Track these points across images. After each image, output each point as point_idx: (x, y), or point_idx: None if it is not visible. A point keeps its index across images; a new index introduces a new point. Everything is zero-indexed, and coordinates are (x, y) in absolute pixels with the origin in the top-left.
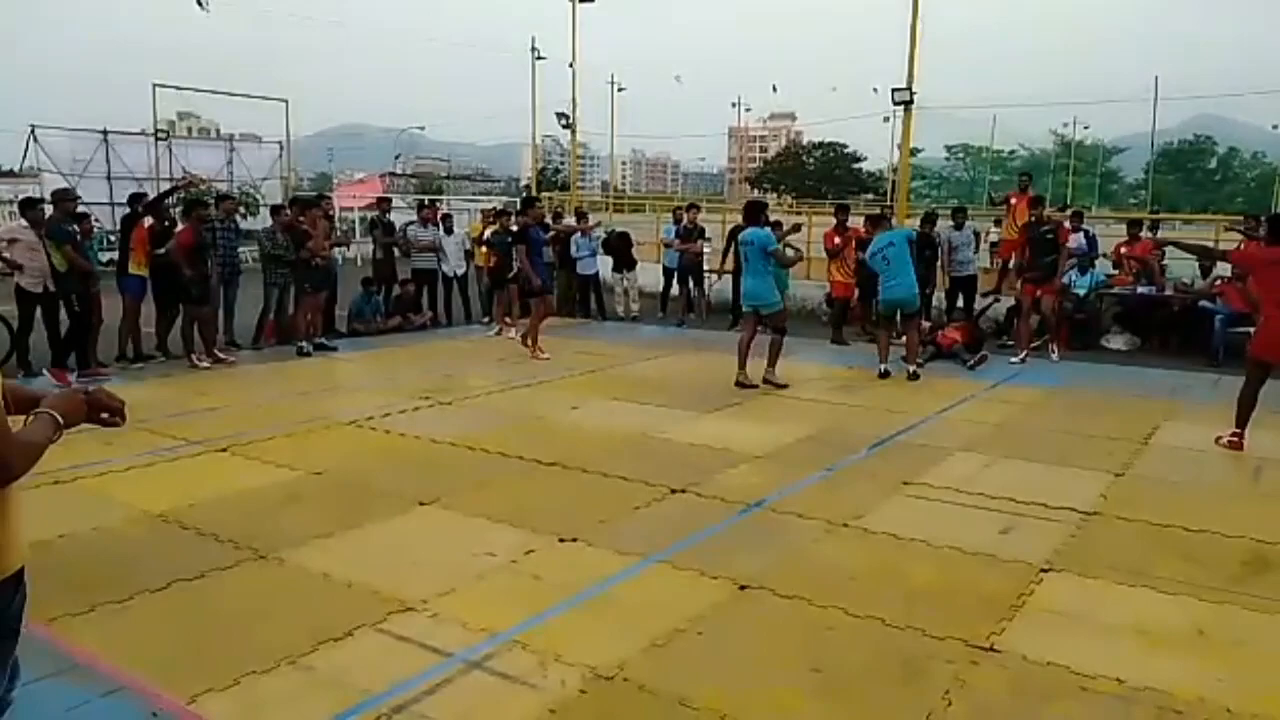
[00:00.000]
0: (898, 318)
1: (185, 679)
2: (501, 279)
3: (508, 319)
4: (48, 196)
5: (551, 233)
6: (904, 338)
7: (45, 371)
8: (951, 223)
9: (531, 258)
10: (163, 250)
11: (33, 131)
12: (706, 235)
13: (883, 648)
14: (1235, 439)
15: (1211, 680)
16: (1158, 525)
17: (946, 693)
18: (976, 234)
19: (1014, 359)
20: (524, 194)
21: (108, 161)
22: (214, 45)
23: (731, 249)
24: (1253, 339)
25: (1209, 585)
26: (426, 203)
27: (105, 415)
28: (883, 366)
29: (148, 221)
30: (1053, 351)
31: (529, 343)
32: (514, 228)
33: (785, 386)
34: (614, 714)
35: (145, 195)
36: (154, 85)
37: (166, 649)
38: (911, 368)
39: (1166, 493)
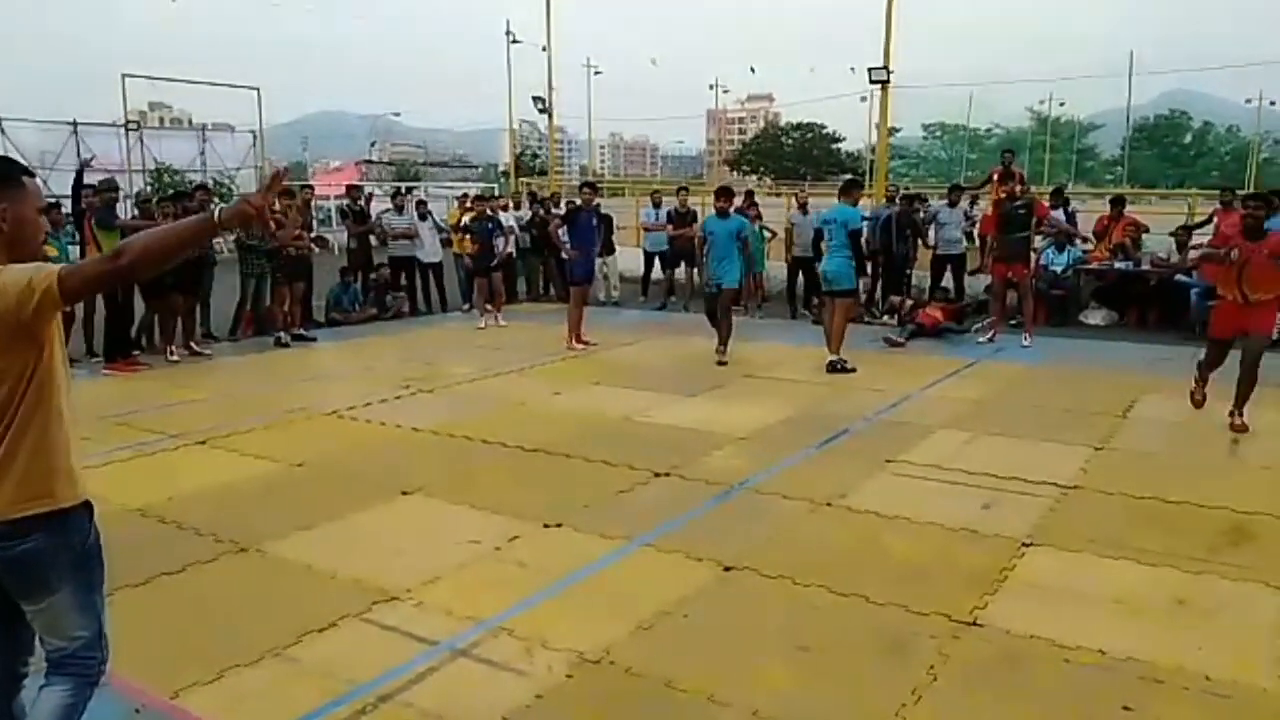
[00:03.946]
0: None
1: (168, 673)
2: (483, 266)
3: (489, 306)
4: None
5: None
6: (893, 315)
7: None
8: (946, 200)
9: (576, 244)
10: None
11: None
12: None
13: (867, 624)
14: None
15: (1191, 649)
16: (1137, 498)
17: (931, 667)
18: (970, 217)
19: (981, 338)
20: (502, 178)
21: (78, 153)
22: (186, 35)
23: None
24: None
25: (1188, 556)
26: (403, 190)
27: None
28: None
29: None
30: (1025, 337)
31: (569, 333)
32: (559, 210)
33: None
34: (601, 698)
35: (113, 184)
36: (123, 75)
37: (149, 644)
38: (832, 357)
39: (1146, 465)
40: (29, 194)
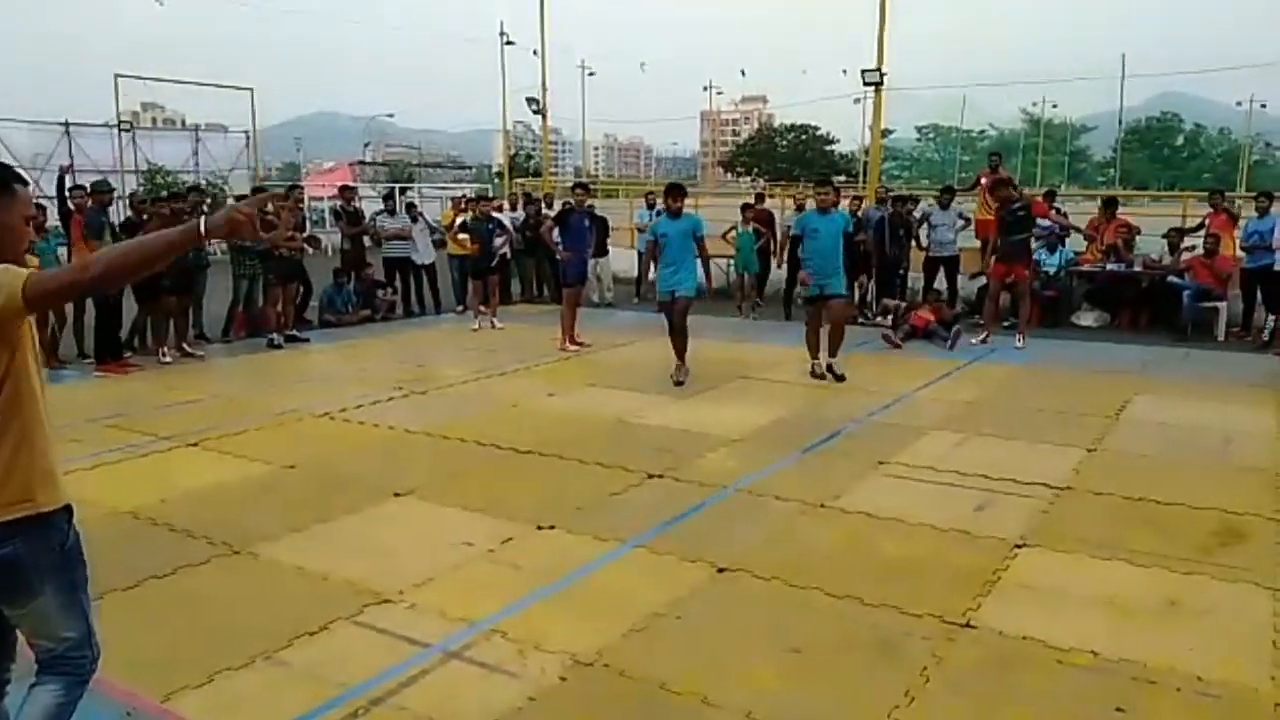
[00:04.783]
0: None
1: (159, 677)
2: (481, 267)
3: (483, 308)
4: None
5: (549, 219)
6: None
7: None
8: (937, 202)
9: (569, 246)
10: None
11: None
12: None
13: (860, 626)
14: None
15: (1183, 650)
16: (1129, 499)
17: (924, 669)
18: (964, 217)
19: (975, 340)
20: (496, 179)
21: (70, 155)
22: (181, 35)
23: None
24: None
25: (1180, 557)
26: (397, 191)
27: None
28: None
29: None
30: (1019, 339)
31: (562, 334)
32: (549, 211)
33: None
34: (594, 700)
35: (108, 185)
36: (116, 76)
37: (140, 647)
38: (829, 363)
39: (1138, 466)
40: (18, 201)
